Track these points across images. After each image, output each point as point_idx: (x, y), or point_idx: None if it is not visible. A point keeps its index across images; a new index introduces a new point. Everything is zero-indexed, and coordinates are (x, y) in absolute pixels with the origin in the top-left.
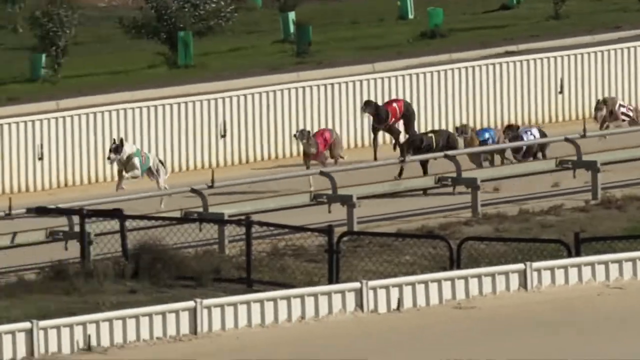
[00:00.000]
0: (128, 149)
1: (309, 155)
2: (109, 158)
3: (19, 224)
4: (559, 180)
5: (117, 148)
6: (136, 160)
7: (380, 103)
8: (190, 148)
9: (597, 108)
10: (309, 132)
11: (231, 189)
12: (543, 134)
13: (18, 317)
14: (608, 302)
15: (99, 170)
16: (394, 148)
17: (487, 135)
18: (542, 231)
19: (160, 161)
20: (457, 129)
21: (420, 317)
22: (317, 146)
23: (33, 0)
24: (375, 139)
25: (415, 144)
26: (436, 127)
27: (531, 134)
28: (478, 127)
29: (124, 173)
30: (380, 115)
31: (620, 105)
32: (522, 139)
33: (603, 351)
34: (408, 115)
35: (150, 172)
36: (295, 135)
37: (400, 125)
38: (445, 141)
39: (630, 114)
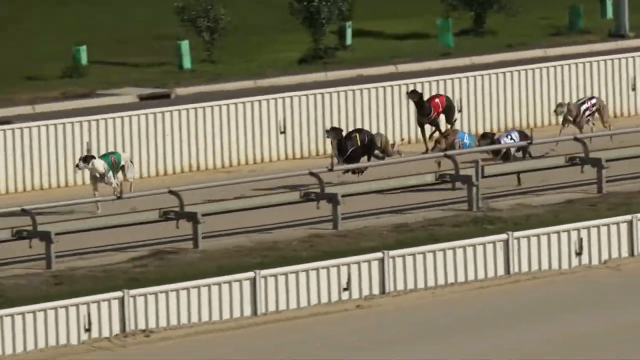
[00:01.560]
0: (100, 166)
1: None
2: (77, 166)
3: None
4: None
5: (86, 158)
6: (110, 175)
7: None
8: None
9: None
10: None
11: None
12: (525, 136)
13: None
14: None
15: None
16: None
17: (466, 137)
18: None
19: (130, 161)
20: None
21: None
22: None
23: None
24: (423, 131)
25: (341, 146)
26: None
27: (511, 137)
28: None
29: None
30: (424, 109)
31: (585, 110)
32: (499, 143)
33: None
34: (449, 109)
35: (120, 170)
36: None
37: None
38: (369, 140)
39: (594, 108)
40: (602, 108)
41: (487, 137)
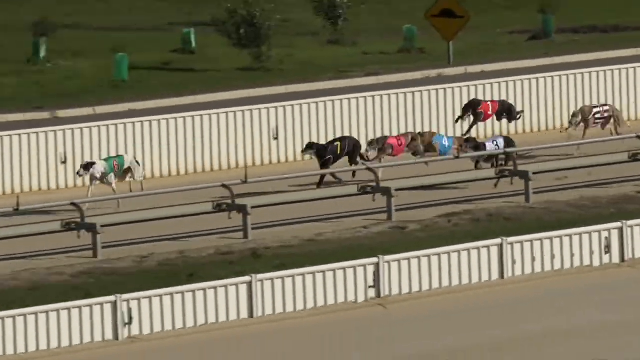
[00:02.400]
0: (101, 167)
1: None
2: (78, 173)
3: None
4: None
5: (87, 165)
6: (111, 177)
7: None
8: None
9: (573, 115)
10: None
11: None
12: (510, 143)
13: None
14: None
15: None
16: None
17: (444, 140)
18: None
19: (136, 162)
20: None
21: None
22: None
23: None
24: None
25: (321, 153)
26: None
27: (496, 143)
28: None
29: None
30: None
31: (595, 113)
32: (484, 147)
33: None
34: (507, 109)
35: (125, 171)
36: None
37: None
38: (352, 147)
39: (606, 115)
40: (616, 115)
41: (471, 142)
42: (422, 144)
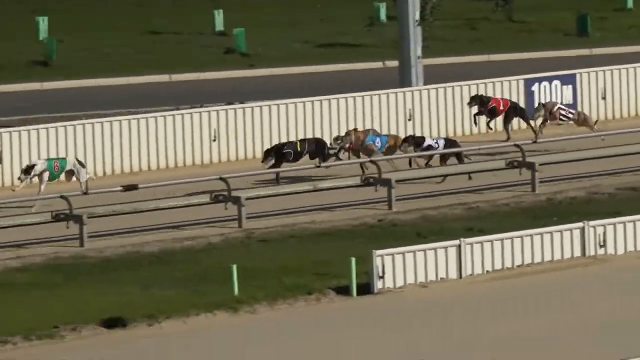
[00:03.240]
0: (40, 166)
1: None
2: (19, 179)
3: None
4: None
5: (27, 170)
6: (45, 175)
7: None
8: None
9: (537, 110)
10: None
11: None
12: (452, 143)
13: None
14: None
15: None
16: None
17: (377, 140)
18: None
19: (80, 163)
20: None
21: None
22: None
23: None
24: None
25: (279, 149)
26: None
27: (437, 143)
28: None
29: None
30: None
31: (560, 108)
32: (426, 148)
33: None
34: (514, 108)
35: (70, 173)
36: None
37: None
38: (314, 147)
39: (571, 116)
40: (584, 119)
41: (409, 140)
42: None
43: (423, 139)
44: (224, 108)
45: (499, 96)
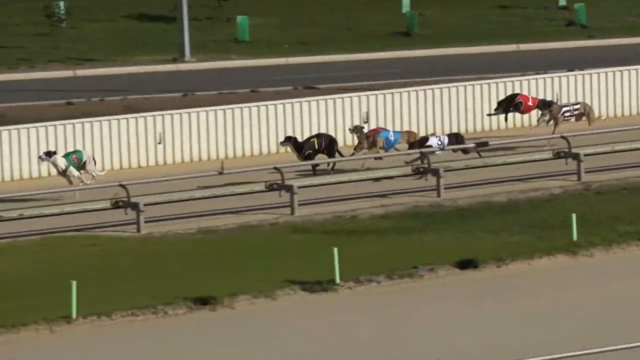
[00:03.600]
0: (60, 162)
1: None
2: (40, 157)
3: None
4: None
5: (49, 153)
6: (72, 170)
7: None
8: None
9: (542, 115)
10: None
11: None
12: (457, 139)
13: None
14: None
15: None
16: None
17: (390, 136)
18: None
19: (92, 158)
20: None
21: None
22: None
23: None
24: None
25: (299, 146)
26: None
27: (440, 139)
28: None
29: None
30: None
31: (564, 112)
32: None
33: None
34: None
35: (84, 166)
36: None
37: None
38: (327, 143)
39: (576, 112)
40: (588, 111)
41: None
42: (367, 144)
43: (427, 138)
44: (565, 74)
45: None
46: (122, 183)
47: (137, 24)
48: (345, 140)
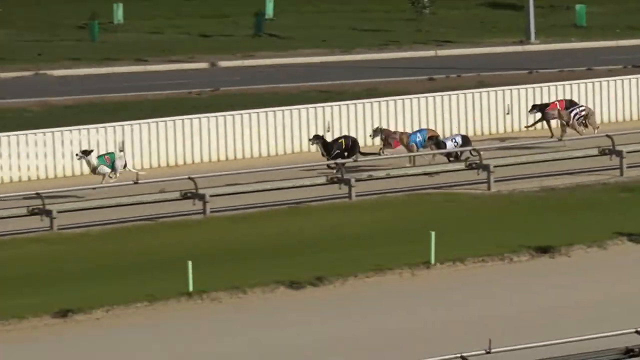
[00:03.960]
0: (94, 161)
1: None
2: (77, 155)
3: None
4: None
5: (85, 151)
6: (102, 168)
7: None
8: None
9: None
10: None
11: None
12: (466, 140)
13: None
14: None
15: None
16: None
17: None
18: None
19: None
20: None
21: None
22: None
23: None
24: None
25: (327, 146)
26: None
27: (455, 140)
28: None
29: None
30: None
31: (575, 115)
32: (444, 145)
33: None
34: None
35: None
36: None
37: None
38: (351, 143)
39: (583, 113)
40: (589, 115)
41: (433, 139)
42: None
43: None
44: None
45: None
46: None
47: (489, 10)
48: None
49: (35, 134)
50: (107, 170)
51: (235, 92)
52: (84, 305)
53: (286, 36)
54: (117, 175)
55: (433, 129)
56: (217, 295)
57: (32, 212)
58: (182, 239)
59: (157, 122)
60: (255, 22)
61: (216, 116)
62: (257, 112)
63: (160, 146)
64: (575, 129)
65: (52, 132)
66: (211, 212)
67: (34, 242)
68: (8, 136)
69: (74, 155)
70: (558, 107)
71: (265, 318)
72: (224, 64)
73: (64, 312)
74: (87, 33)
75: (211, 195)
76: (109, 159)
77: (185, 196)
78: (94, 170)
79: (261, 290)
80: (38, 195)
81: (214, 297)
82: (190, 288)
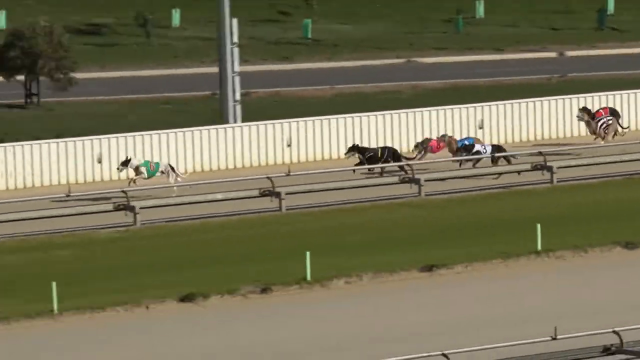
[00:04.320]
0: (136, 162)
1: None
2: (118, 168)
3: None
4: None
5: (125, 162)
6: (143, 169)
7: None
8: None
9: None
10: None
11: None
12: (498, 147)
13: None
14: None
15: None
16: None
17: (466, 142)
18: None
19: (170, 166)
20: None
21: None
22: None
23: None
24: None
25: (362, 152)
26: None
27: (484, 148)
28: None
29: (134, 177)
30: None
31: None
32: (476, 152)
33: None
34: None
35: (162, 173)
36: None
37: None
38: (391, 154)
39: (610, 122)
40: (611, 124)
41: (468, 147)
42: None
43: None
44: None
45: None
46: None
47: None
48: None
49: (406, 113)
50: (145, 175)
51: (582, 78)
52: (447, 261)
53: (625, 29)
54: (177, 179)
55: None
56: (562, 254)
57: (403, 181)
58: (529, 205)
59: (512, 103)
60: (597, 17)
61: (563, 99)
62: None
63: (514, 124)
64: (600, 137)
65: (421, 111)
66: (557, 182)
67: (404, 206)
68: (383, 115)
69: (437, 133)
70: (603, 113)
71: (603, 273)
72: (570, 53)
73: (429, 267)
74: (452, 26)
75: (558, 167)
76: (154, 167)
77: (535, 167)
78: (136, 170)
79: (599, 249)
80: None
81: (558, 256)
82: (539, 247)
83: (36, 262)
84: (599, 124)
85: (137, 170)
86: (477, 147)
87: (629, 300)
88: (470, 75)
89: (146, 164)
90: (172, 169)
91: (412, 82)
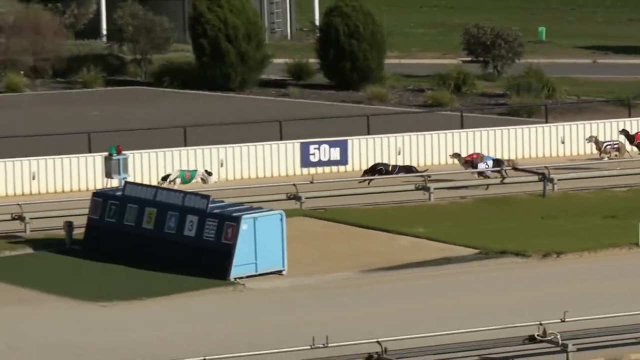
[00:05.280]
0: (174, 174)
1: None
2: (158, 182)
3: None
4: None
5: (165, 177)
6: (178, 181)
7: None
8: None
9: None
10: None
11: None
12: (498, 162)
13: None
14: None
15: None
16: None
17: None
18: None
19: (206, 171)
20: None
21: None
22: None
23: None
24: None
25: (375, 167)
26: None
27: (486, 162)
28: None
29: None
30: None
31: (607, 145)
32: (478, 166)
33: None
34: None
35: (200, 179)
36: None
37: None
38: (403, 169)
39: (616, 146)
40: (620, 146)
41: (474, 162)
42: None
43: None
44: None
45: None
46: None
47: None
48: None
49: None
50: (178, 181)
51: None
52: None
53: None
54: (214, 182)
55: None
56: None
57: None
58: None
59: None
60: None
61: None
62: None
63: None
64: (606, 154)
65: None
66: None
67: None
68: None
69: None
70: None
71: None
72: None
73: None
74: None
75: None
76: (189, 176)
77: None
78: (174, 182)
79: None
80: None
81: None
82: None
83: None
84: (604, 145)
85: (174, 182)
86: (478, 162)
87: None
88: None
89: (182, 173)
90: (209, 173)
91: None
